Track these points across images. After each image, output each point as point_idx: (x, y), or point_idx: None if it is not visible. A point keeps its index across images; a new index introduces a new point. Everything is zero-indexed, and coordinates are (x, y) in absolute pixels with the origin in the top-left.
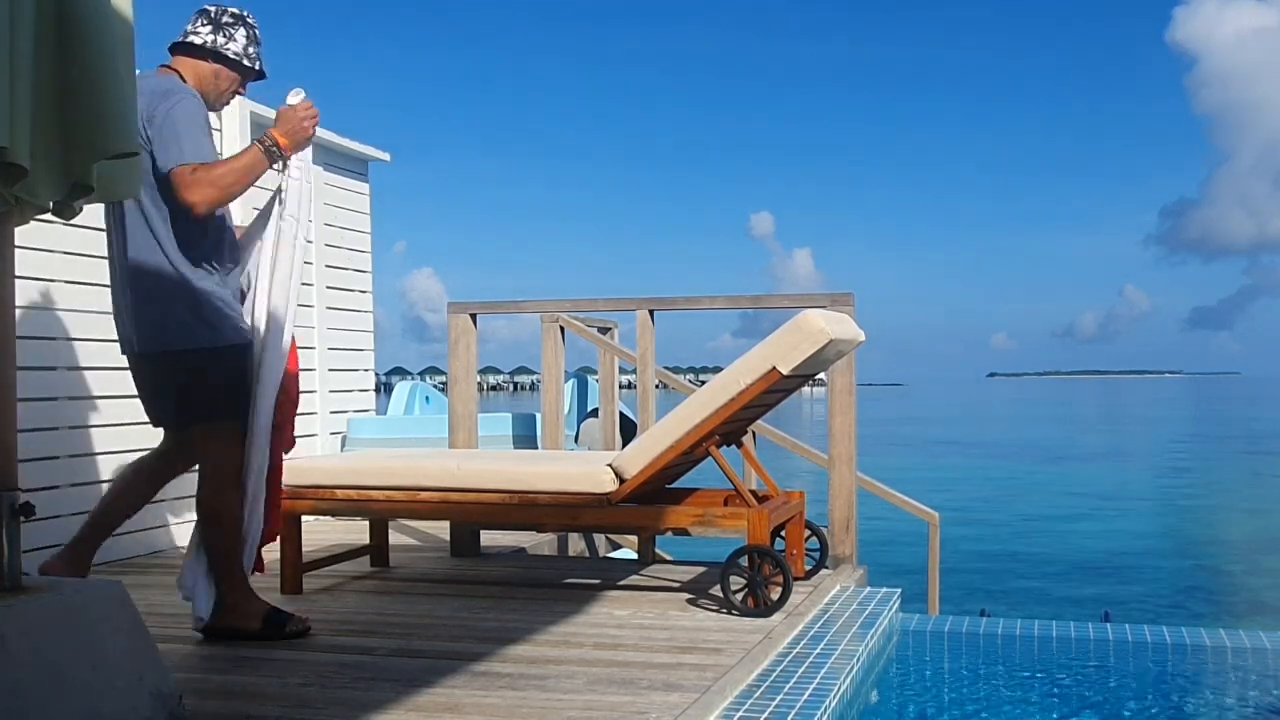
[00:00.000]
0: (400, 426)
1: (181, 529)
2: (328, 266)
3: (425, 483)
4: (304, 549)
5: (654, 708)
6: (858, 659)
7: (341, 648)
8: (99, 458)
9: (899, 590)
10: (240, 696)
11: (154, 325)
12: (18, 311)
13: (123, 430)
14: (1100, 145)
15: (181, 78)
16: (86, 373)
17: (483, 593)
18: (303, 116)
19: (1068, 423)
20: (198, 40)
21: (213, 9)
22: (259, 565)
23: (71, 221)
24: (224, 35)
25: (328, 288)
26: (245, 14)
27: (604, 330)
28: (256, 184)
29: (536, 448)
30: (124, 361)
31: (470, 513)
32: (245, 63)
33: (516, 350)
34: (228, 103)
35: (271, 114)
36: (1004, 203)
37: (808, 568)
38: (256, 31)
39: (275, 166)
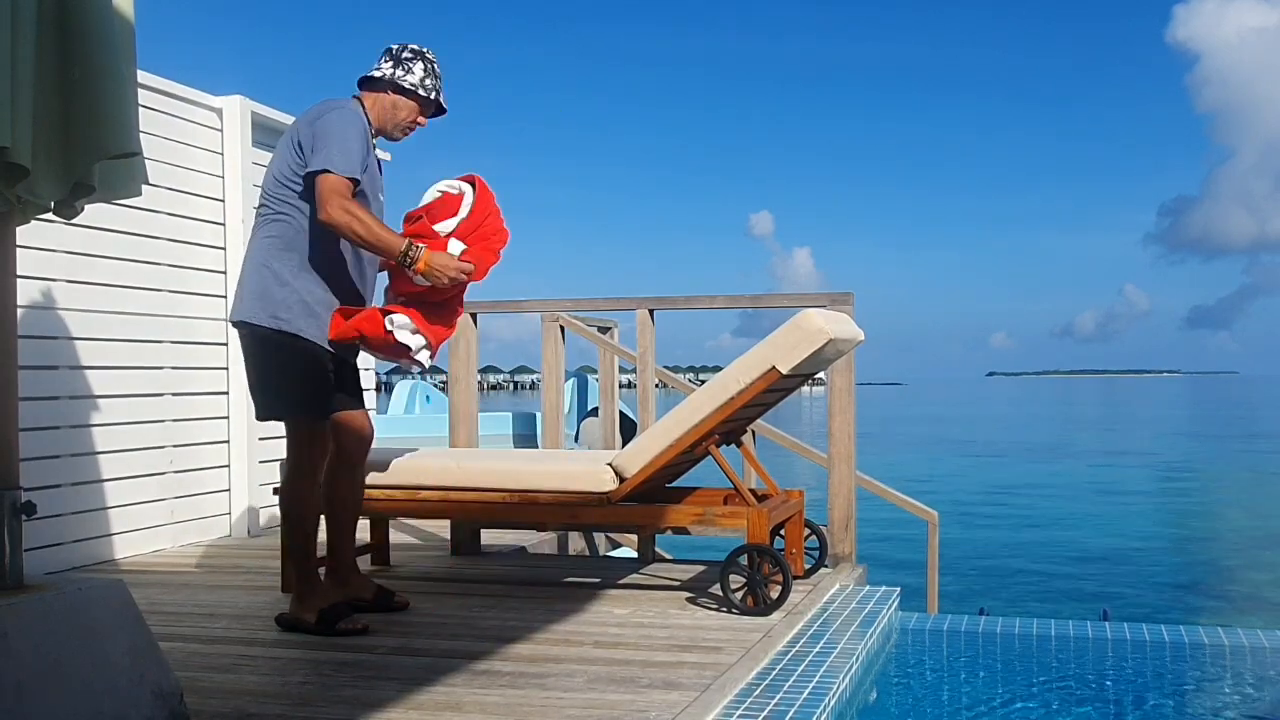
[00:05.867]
0: (401, 425)
1: (181, 528)
2: None
3: (426, 481)
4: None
5: (654, 706)
6: (857, 657)
7: (342, 646)
8: (100, 457)
9: (898, 589)
10: (241, 695)
11: (236, 296)
12: (19, 310)
13: (123, 429)
14: (1100, 144)
15: (363, 106)
16: (88, 372)
17: (483, 591)
18: (456, 267)
19: (1067, 422)
20: (378, 74)
21: (395, 47)
22: None
23: (73, 221)
24: (403, 69)
25: None
26: (425, 50)
27: (604, 330)
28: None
29: (536, 446)
30: (124, 360)
31: (471, 511)
32: (421, 92)
33: (517, 349)
34: (408, 133)
35: (273, 114)
36: (1004, 202)
37: (807, 566)
38: (435, 66)
39: (401, 263)
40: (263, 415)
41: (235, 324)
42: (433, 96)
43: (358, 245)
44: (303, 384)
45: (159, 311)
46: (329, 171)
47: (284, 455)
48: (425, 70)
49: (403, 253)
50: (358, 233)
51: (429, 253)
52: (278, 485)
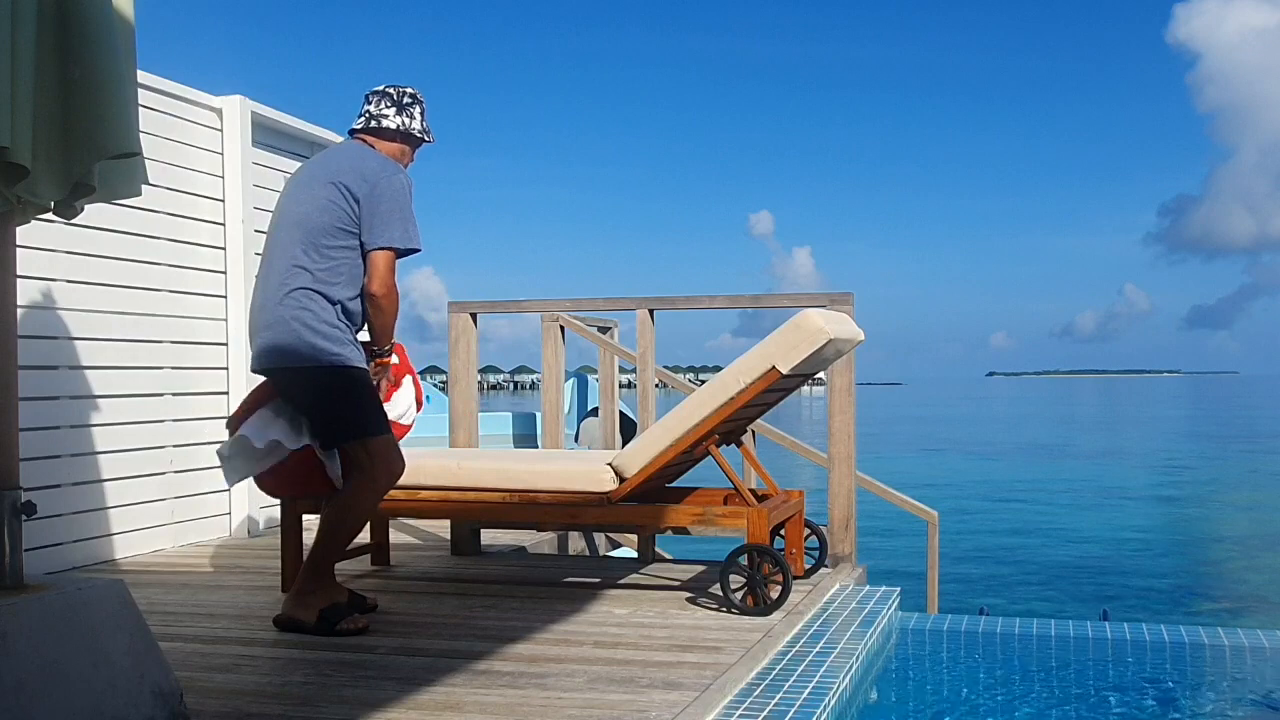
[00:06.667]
0: None
1: (181, 528)
2: None
3: (426, 481)
4: (305, 548)
5: (654, 706)
6: (857, 657)
7: (342, 646)
8: (100, 457)
9: (898, 589)
10: (241, 695)
11: (278, 344)
12: (19, 310)
13: (123, 429)
14: (1100, 144)
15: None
16: (88, 372)
17: (483, 591)
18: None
19: (1066, 421)
20: (390, 125)
21: (393, 91)
22: None
23: (73, 221)
24: (407, 116)
25: None
26: (416, 93)
27: (604, 330)
28: None
29: (536, 446)
30: (124, 360)
31: (471, 511)
32: (426, 139)
33: (517, 349)
34: None
35: (273, 114)
36: (1004, 202)
37: (807, 566)
38: (425, 105)
39: (381, 351)
40: (349, 440)
41: (294, 370)
42: (431, 139)
43: (376, 321)
44: (376, 404)
45: (159, 311)
46: (393, 249)
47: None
48: (422, 112)
49: (390, 344)
50: (389, 315)
51: (390, 360)
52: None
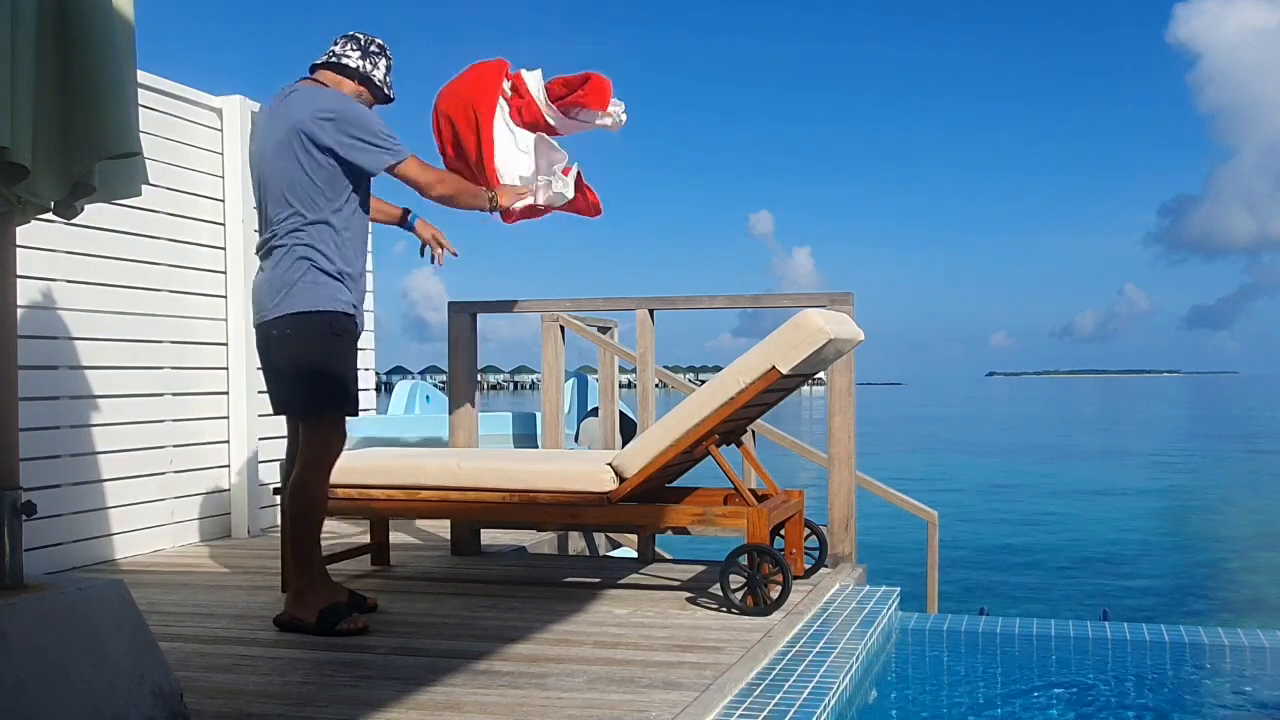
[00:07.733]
0: (401, 426)
1: (181, 528)
2: None
3: (426, 481)
4: None
5: (654, 706)
6: (857, 657)
7: (342, 646)
8: (100, 457)
9: (898, 589)
10: (241, 695)
11: (274, 300)
12: (19, 310)
13: (123, 429)
14: (1100, 144)
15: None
16: (88, 372)
17: (483, 591)
18: (522, 191)
19: (1066, 421)
20: (350, 63)
21: (361, 37)
22: None
23: (73, 221)
24: (370, 62)
25: None
26: (385, 46)
27: (604, 330)
28: None
29: (537, 447)
30: (124, 360)
31: (471, 511)
32: (385, 91)
33: (517, 349)
34: None
35: None
36: (1003, 202)
37: (807, 566)
38: (392, 62)
39: (487, 209)
40: (313, 409)
41: (289, 318)
42: (392, 95)
43: (462, 205)
44: (348, 371)
45: (159, 311)
46: (404, 160)
47: (286, 453)
48: (388, 67)
49: (489, 200)
50: (462, 197)
51: (501, 195)
52: (278, 485)
